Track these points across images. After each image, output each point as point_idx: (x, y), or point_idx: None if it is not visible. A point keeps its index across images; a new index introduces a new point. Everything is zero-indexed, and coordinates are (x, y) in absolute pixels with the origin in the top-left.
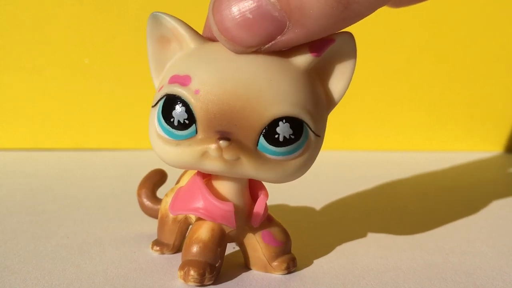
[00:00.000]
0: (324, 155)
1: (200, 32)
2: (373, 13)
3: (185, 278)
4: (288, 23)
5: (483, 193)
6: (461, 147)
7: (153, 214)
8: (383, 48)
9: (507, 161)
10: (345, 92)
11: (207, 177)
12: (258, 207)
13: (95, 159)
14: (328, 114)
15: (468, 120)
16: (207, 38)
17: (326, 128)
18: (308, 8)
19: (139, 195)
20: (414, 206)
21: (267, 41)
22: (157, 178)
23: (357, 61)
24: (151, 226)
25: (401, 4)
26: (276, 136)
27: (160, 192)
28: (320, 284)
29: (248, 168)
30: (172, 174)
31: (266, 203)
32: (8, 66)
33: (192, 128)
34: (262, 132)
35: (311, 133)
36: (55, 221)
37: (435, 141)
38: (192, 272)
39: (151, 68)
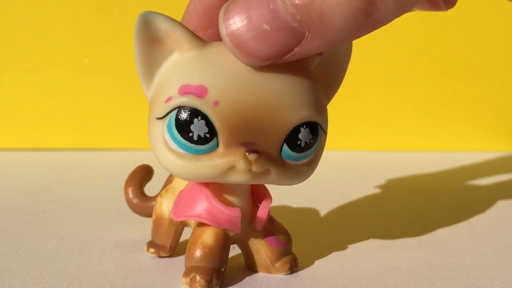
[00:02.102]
0: (324, 155)
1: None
2: None
3: (192, 285)
4: (307, 33)
5: (483, 193)
6: (461, 147)
7: (142, 212)
8: (383, 49)
9: (508, 161)
10: (336, 91)
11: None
12: (263, 211)
13: (95, 159)
14: None
15: (468, 120)
16: (200, 34)
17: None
18: (329, 18)
19: (126, 193)
20: (414, 206)
21: (285, 53)
22: (143, 174)
23: (357, 61)
24: (151, 226)
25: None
26: (298, 142)
27: (148, 190)
28: (320, 284)
29: (274, 177)
30: (159, 170)
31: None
32: (8, 66)
33: (213, 141)
34: (285, 139)
35: (322, 133)
36: (55, 221)
37: (435, 141)
38: (198, 279)
39: (139, 72)
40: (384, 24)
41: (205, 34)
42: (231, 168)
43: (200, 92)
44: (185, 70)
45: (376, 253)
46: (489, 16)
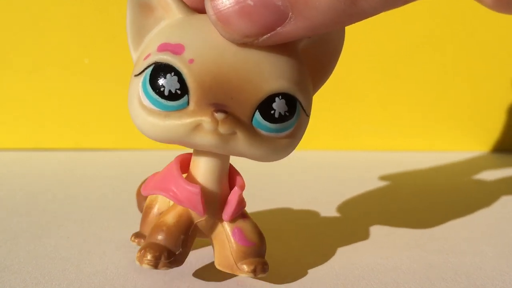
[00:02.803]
0: (325, 155)
1: None
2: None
3: (140, 260)
4: (290, 14)
5: (483, 193)
6: (461, 147)
7: None
8: (382, 49)
9: (508, 161)
10: (326, 79)
11: (184, 166)
12: (231, 199)
13: (95, 159)
14: (312, 96)
15: (468, 120)
16: (193, 7)
17: (326, 128)
18: (313, 0)
19: (138, 194)
20: (414, 206)
21: (266, 31)
22: None
23: (357, 62)
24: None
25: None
26: (272, 112)
27: None
28: (320, 284)
29: (242, 144)
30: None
31: (242, 198)
32: (8, 66)
33: (184, 99)
34: (258, 106)
35: (302, 112)
36: (55, 221)
37: (435, 141)
38: (147, 254)
39: (129, 37)
40: (368, 16)
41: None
42: (197, 127)
43: (177, 49)
44: (167, 30)
45: (376, 253)
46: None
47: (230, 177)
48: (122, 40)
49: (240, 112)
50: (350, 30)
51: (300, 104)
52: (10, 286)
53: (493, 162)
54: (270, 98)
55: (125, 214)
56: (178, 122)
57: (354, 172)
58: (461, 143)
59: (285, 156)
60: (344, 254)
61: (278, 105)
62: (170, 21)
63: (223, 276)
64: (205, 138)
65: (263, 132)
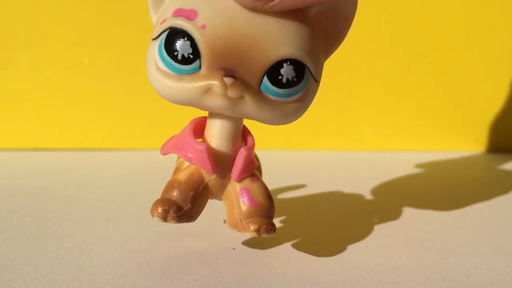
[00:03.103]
0: (325, 155)
1: None
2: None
3: (152, 213)
4: None
5: (483, 193)
6: (462, 147)
7: None
8: (382, 49)
9: (509, 161)
10: (339, 45)
11: (199, 129)
12: (238, 159)
13: (95, 159)
14: (324, 62)
15: (469, 120)
16: None
17: (327, 129)
18: None
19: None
20: (414, 206)
21: None
22: None
23: (357, 62)
24: (151, 226)
25: None
26: (280, 77)
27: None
28: (320, 284)
29: (250, 107)
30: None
31: (252, 159)
32: (8, 66)
33: (196, 63)
34: (266, 72)
35: (311, 78)
36: (55, 221)
37: (435, 141)
38: (158, 207)
39: (149, 3)
40: None
41: None
42: (208, 91)
43: (190, 15)
44: None
45: (376, 253)
46: (479, 22)
47: (244, 137)
48: (122, 40)
49: (248, 77)
50: (351, 31)
51: (309, 70)
52: (10, 286)
53: (492, 162)
54: (278, 64)
55: (125, 214)
56: (190, 85)
57: (354, 172)
58: (461, 143)
59: (293, 120)
60: (344, 254)
61: (286, 71)
62: None
63: (223, 275)
64: (215, 101)
65: (271, 96)
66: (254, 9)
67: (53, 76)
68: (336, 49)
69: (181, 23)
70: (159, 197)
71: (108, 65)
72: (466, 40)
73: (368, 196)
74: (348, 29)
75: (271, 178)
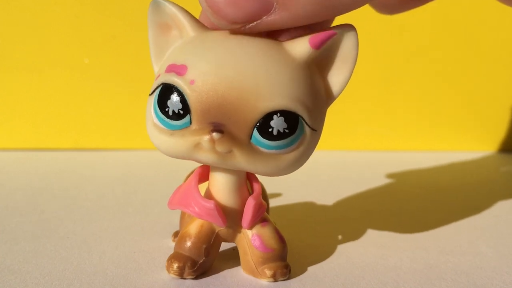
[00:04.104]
0: (324, 155)
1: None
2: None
3: (167, 268)
4: (275, 4)
5: (483, 193)
6: (462, 147)
7: None
8: (382, 48)
9: (509, 161)
10: (345, 86)
11: (204, 176)
12: (246, 209)
13: (95, 159)
14: (327, 107)
15: (468, 120)
16: (208, 25)
17: (327, 128)
18: None
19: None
20: (414, 206)
21: (252, 19)
22: None
23: (358, 61)
24: (151, 226)
25: (394, 11)
26: (270, 129)
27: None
28: (320, 284)
29: (241, 161)
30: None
31: (260, 204)
32: (8, 66)
33: (187, 118)
34: (256, 125)
35: (307, 127)
36: (55, 221)
37: (435, 141)
38: (173, 264)
39: (152, 55)
40: (348, 9)
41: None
42: (198, 145)
43: (180, 70)
44: (177, 50)
45: (376, 253)
46: (483, 19)
47: (250, 183)
48: (122, 40)
49: (238, 131)
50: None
51: (303, 119)
52: (10, 286)
53: (494, 162)
54: (268, 116)
55: (125, 214)
56: (182, 140)
57: (354, 172)
58: (461, 143)
59: (293, 171)
60: (344, 254)
61: (276, 123)
62: (182, 40)
63: (223, 275)
64: (206, 156)
65: (262, 149)
66: (233, 32)
67: (53, 76)
68: (341, 91)
69: (172, 79)
70: (159, 197)
71: (108, 65)
72: (471, 37)
73: (368, 196)
74: (351, 67)
75: (268, 179)
